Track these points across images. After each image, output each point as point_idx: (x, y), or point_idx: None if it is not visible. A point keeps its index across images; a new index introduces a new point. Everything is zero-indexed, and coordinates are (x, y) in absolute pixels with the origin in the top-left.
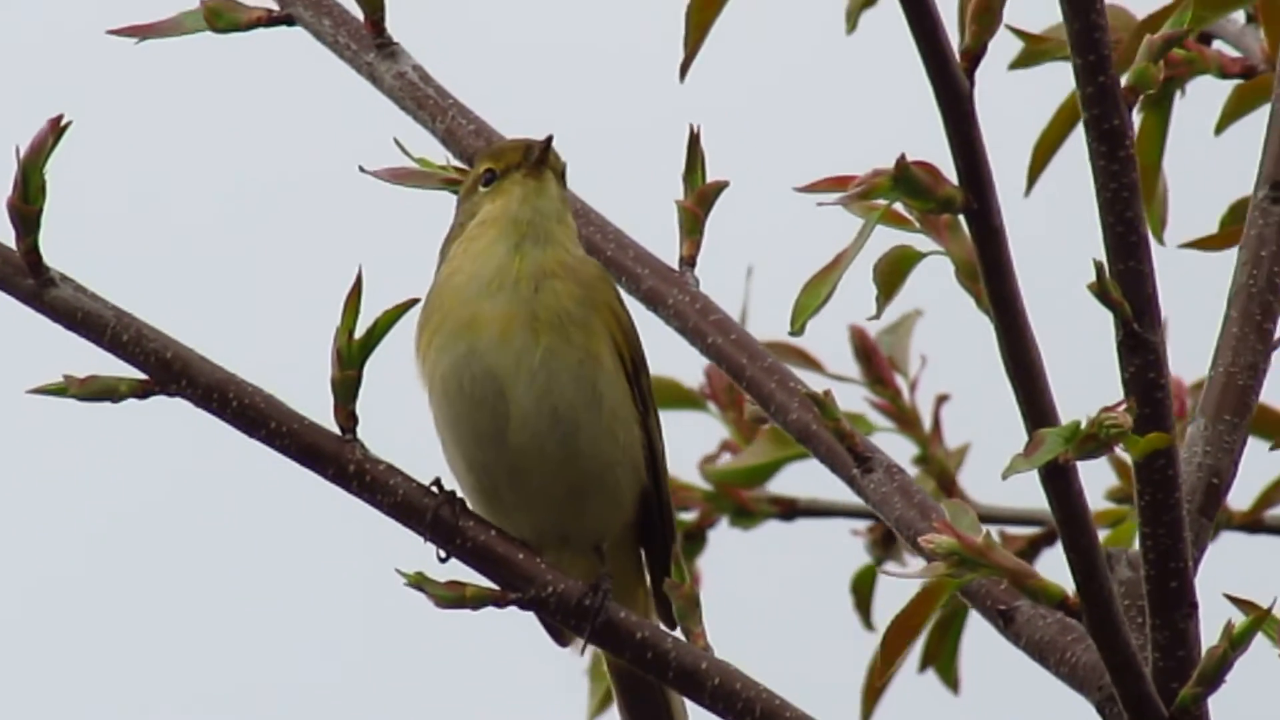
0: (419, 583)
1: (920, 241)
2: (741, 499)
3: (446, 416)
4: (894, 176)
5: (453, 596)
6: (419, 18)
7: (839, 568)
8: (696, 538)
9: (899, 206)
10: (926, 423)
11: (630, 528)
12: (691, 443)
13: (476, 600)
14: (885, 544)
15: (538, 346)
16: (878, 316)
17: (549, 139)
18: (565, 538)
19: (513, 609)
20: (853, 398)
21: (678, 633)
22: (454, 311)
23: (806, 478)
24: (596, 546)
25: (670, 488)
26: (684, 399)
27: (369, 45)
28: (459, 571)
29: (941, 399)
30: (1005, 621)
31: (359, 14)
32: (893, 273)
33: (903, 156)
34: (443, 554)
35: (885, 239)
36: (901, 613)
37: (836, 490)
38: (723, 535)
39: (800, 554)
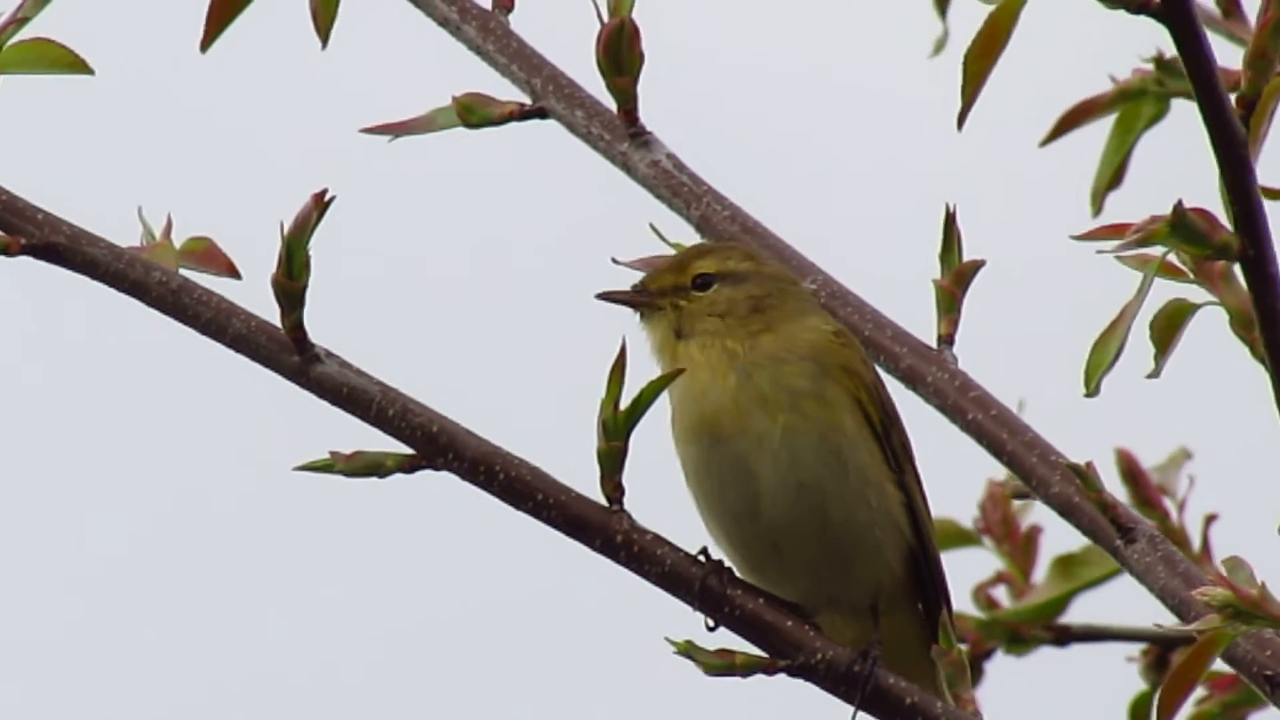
0: (688, 651)
1: (1191, 292)
2: (1015, 627)
3: (701, 498)
4: (1171, 222)
5: (722, 664)
6: (670, 107)
7: (1115, 693)
8: (972, 669)
9: (1171, 258)
10: (1195, 543)
11: (902, 584)
12: (966, 571)
13: (746, 668)
14: (1159, 667)
15: (776, 426)
16: (1157, 374)
17: (620, 296)
18: (834, 600)
19: (781, 676)
20: None
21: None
22: (687, 411)
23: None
24: (871, 606)
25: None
26: (961, 538)
27: (622, 135)
28: (727, 640)
29: (1210, 519)
30: (1272, 687)
31: (611, 104)
32: (1168, 327)
33: (1179, 202)
34: (711, 623)
35: (1155, 297)
36: (1179, 666)
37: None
38: (998, 665)
39: (1075, 679)
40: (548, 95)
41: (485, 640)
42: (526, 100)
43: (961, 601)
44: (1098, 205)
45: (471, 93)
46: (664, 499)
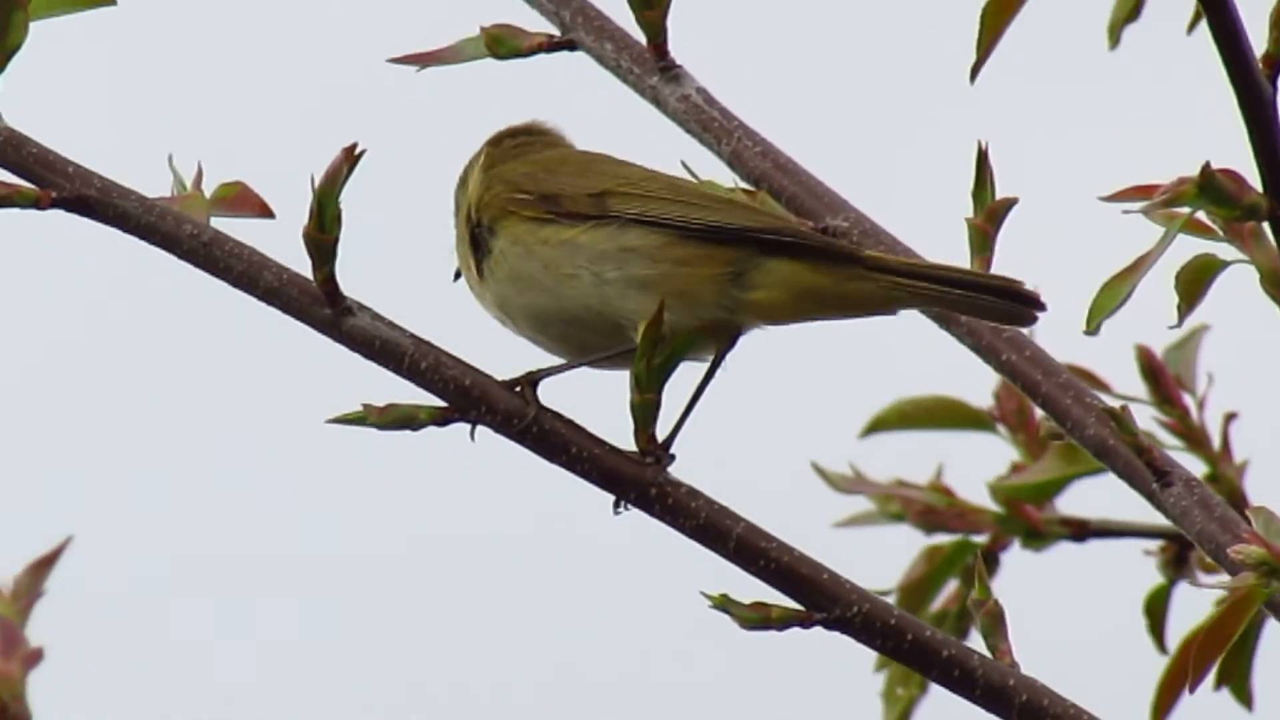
0: (724, 604)
1: (1222, 250)
2: (1032, 520)
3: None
4: (1199, 184)
5: (758, 618)
6: (702, 40)
7: (1132, 589)
8: (989, 560)
9: (1201, 214)
10: (1215, 441)
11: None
12: (981, 464)
13: (781, 621)
14: (1178, 564)
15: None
16: (1179, 325)
17: None
18: (674, 325)
19: (818, 629)
20: (1141, 417)
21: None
22: None
23: (1099, 497)
24: (719, 306)
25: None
26: (973, 420)
27: (652, 69)
28: (762, 592)
29: (1229, 416)
30: None
31: (641, 37)
32: (1194, 281)
33: (1207, 164)
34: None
35: (1183, 248)
36: (1210, 624)
37: (1128, 509)
38: (1015, 558)
39: (1093, 575)
40: (576, 27)
41: (516, 592)
42: (555, 32)
43: (978, 493)
44: (1115, 39)
45: (500, 24)
46: (699, 452)
